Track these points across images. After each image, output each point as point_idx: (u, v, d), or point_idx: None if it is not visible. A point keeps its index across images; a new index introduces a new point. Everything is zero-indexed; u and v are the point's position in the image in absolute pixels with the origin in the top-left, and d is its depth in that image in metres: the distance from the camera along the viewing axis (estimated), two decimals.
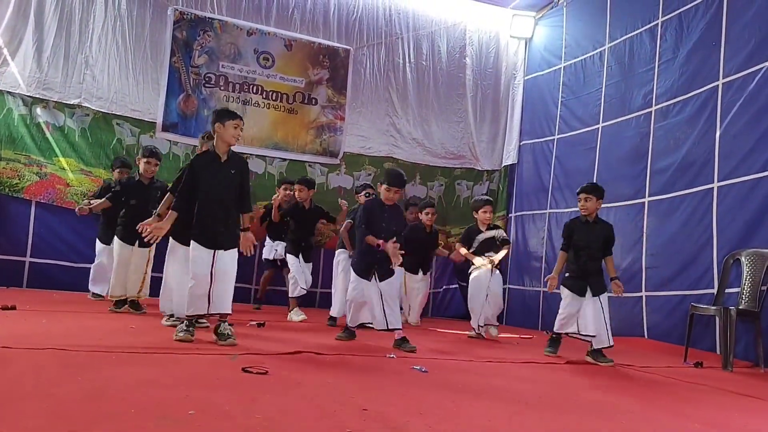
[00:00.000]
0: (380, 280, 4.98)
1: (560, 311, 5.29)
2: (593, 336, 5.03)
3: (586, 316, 5.06)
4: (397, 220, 5.15)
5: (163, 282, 5.27)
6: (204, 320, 5.03)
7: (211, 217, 4.36)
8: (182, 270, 4.79)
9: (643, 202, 7.06)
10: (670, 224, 6.67)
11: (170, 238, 5.03)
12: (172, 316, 5.14)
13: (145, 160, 5.96)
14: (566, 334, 5.28)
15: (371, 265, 5.01)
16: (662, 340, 6.42)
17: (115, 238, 6.05)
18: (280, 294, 7.89)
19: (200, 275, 4.29)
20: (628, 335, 6.84)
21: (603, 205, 7.32)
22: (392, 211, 5.13)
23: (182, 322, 4.38)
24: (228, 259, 4.39)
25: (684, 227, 6.46)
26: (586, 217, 5.27)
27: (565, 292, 5.27)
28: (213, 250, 4.32)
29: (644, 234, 6.97)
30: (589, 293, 5.11)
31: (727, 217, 6.00)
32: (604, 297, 5.11)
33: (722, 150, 6.15)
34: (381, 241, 4.88)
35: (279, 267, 7.51)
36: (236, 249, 4.47)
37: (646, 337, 6.68)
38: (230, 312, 4.43)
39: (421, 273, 7.48)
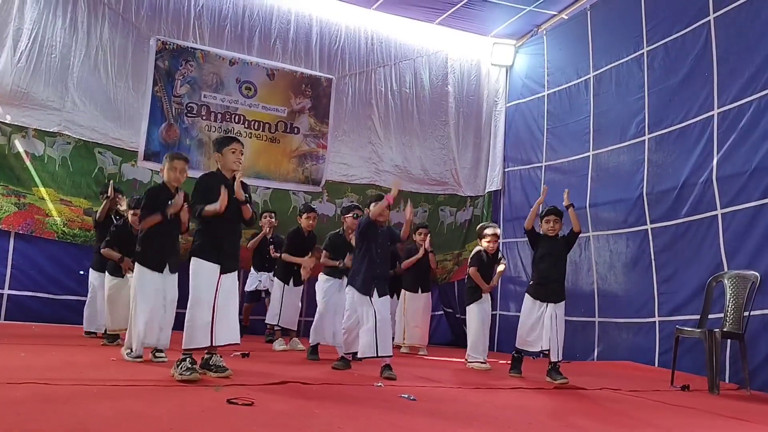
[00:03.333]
0: (379, 296, 5.00)
1: (521, 321, 5.64)
2: (548, 350, 5.29)
3: (546, 326, 5.34)
4: (391, 235, 5.33)
5: (133, 315, 4.76)
6: (162, 353, 4.78)
7: (221, 234, 4.23)
8: (152, 299, 4.67)
9: (646, 229, 7.09)
10: (678, 251, 6.68)
11: (137, 265, 4.77)
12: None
13: (132, 212, 5.84)
14: (527, 353, 5.59)
15: (372, 280, 5.03)
16: (669, 366, 6.33)
17: (106, 272, 5.90)
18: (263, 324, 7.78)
19: (204, 301, 4.09)
20: (640, 361, 6.82)
21: (602, 232, 7.65)
22: (385, 231, 5.26)
23: (183, 360, 3.97)
24: (231, 284, 4.27)
25: (694, 254, 6.48)
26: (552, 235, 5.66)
27: (527, 300, 5.62)
28: (219, 269, 4.16)
29: (653, 260, 6.98)
30: (549, 303, 5.42)
31: (734, 243, 6.04)
32: (561, 306, 5.44)
33: (721, 178, 6.23)
34: (386, 196, 5.06)
35: (262, 298, 7.63)
36: (235, 274, 4.38)
37: (656, 363, 6.64)
38: (238, 342, 4.30)
39: (420, 291, 7.54)
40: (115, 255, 5.83)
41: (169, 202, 4.68)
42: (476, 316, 6.23)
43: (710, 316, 5.91)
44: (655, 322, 6.84)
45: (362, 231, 5.17)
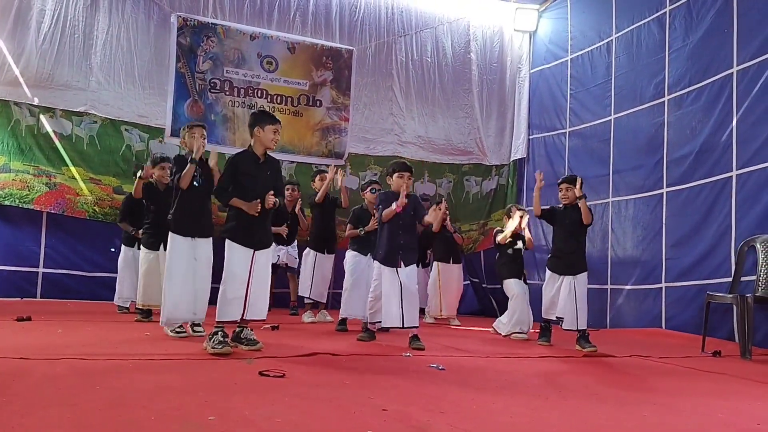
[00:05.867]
0: (405, 265, 4.97)
1: (543, 293, 5.69)
2: (565, 317, 5.33)
3: (562, 297, 5.40)
4: (415, 207, 5.12)
5: (165, 286, 4.75)
6: (200, 328, 4.91)
7: (251, 217, 4.21)
8: (183, 268, 4.70)
9: (662, 193, 7.03)
10: (689, 214, 6.63)
11: (170, 233, 4.76)
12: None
13: (159, 166, 5.89)
14: (553, 322, 5.64)
15: (396, 251, 5.00)
16: (682, 330, 6.38)
17: (141, 246, 5.93)
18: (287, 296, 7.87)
19: (237, 276, 4.15)
20: (647, 326, 6.82)
21: (622, 198, 7.49)
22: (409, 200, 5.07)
23: (215, 333, 4.04)
24: (265, 260, 4.32)
25: (703, 217, 6.43)
26: (566, 205, 5.60)
27: (547, 273, 5.68)
28: (252, 250, 4.21)
29: (663, 225, 6.94)
30: (566, 274, 5.43)
31: (745, 206, 5.97)
32: (581, 278, 5.39)
33: (740, 138, 6.12)
34: (397, 204, 4.89)
35: (282, 270, 7.50)
36: (271, 249, 4.44)
37: (663, 327, 6.64)
38: (264, 318, 4.37)
39: (452, 261, 7.54)
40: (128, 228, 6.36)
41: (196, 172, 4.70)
42: (517, 287, 6.22)
43: (719, 281, 6.02)
44: (661, 288, 6.82)
45: (383, 200, 5.13)
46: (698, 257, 6.41)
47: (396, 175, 5.11)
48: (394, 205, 4.93)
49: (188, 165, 4.66)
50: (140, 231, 6.10)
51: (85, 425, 2.14)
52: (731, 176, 6.16)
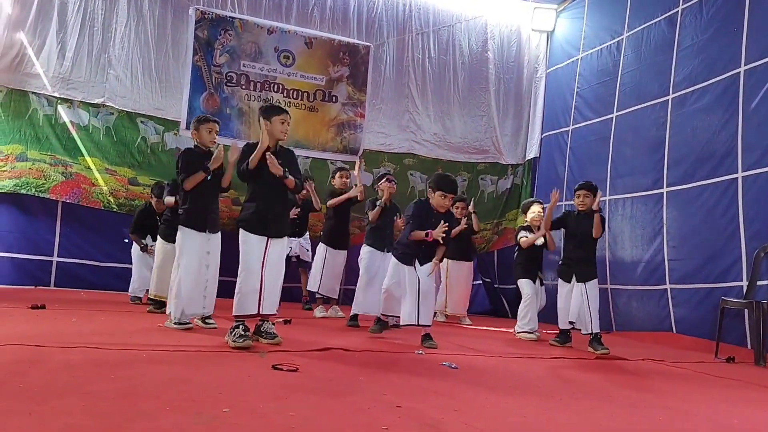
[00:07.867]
0: (421, 264, 4.93)
1: (558, 302, 5.69)
2: (579, 321, 5.37)
3: (575, 302, 5.41)
4: (449, 219, 5.01)
5: (175, 280, 4.75)
6: (211, 320, 4.92)
7: (267, 205, 4.22)
8: (197, 262, 4.72)
9: (662, 193, 6.95)
10: (691, 215, 6.55)
11: (180, 228, 4.77)
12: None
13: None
14: (571, 328, 5.62)
15: (414, 255, 4.96)
16: (690, 333, 6.32)
17: (158, 237, 5.91)
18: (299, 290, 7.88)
19: (253, 268, 4.13)
20: (656, 329, 6.77)
21: (620, 196, 7.46)
22: (443, 217, 4.92)
23: (237, 327, 4.05)
24: (279, 251, 4.30)
25: (707, 218, 6.33)
26: (580, 212, 5.57)
27: (559, 282, 5.69)
28: (266, 238, 4.21)
29: (664, 225, 6.86)
30: (574, 280, 5.46)
31: (754, 208, 5.87)
32: (591, 284, 5.37)
33: (746, 139, 6.02)
34: (429, 231, 4.78)
35: (293, 263, 7.46)
36: (285, 240, 4.41)
37: (674, 330, 6.58)
38: (275, 312, 4.33)
39: (462, 259, 7.45)
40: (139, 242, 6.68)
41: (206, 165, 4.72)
42: (528, 288, 6.24)
43: (728, 285, 5.92)
44: (666, 289, 6.73)
45: (417, 214, 4.95)
46: (705, 259, 6.30)
47: (438, 193, 4.89)
48: (427, 232, 4.81)
49: (200, 172, 4.71)
50: (149, 246, 6.56)
51: (99, 414, 2.15)
52: (737, 178, 6.05)
